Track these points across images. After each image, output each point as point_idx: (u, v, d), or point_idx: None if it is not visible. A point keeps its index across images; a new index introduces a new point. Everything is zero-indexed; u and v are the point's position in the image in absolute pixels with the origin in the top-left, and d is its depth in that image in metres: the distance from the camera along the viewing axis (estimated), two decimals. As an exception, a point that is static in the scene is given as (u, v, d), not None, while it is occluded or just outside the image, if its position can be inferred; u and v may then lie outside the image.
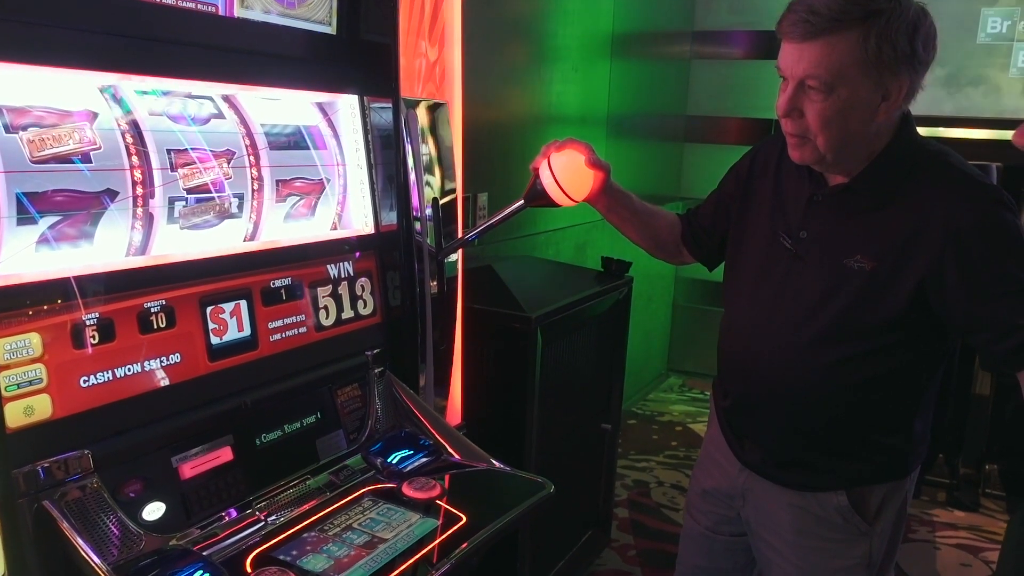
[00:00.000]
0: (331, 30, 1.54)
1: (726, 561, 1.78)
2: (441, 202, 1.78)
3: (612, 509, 3.24)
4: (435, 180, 1.79)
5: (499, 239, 3.18)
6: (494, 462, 1.55)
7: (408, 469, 1.50)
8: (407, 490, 1.43)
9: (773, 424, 1.56)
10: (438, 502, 1.41)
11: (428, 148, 1.77)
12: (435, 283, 1.77)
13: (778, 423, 1.55)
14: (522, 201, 1.67)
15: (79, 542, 1.04)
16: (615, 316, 2.89)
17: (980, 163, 2.44)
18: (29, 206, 1.08)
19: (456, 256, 1.90)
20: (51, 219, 1.11)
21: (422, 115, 1.74)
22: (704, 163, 5.04)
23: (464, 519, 1.36)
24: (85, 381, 1.13)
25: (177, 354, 1.26)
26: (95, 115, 1.19)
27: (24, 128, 1.09)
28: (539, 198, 1.63)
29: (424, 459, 1.54)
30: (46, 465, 1.07)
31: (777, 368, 1.51)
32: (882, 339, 1.42)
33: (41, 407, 1.07)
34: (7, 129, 1.07)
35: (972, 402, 3.78)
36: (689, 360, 5.33)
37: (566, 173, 1.59)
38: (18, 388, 1.05)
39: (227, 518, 1.27)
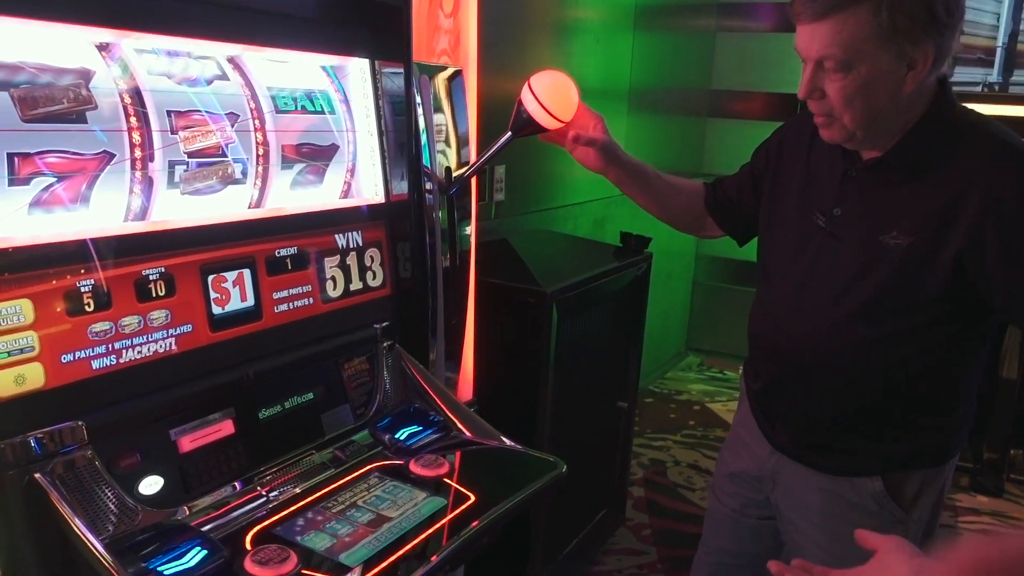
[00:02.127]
0: (341, -11, 1.48)
1: (753, 544, 1.73)
2: (455, 173, 1.73)
3: (627, 488, 3.20)
4: (449, 150, 1.74)
5: (516, 213, 3.12)
6: (505, 440, 1.50)
7: (416, 446, 1.46)
8: (414, 467, 1.38)
9: (807, 406, 1.51)
10: (446, 480, 1.36)
11: (442, 116, 1.71)
12: (448, 255, 1.72)
13: (812, 405, 1.50)
14: (509, 133, 1.62)
15: (72, 516, 1.00)
16: (633, 292, 2.83)
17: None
18: (21, 167, 1.04)
19: (470, 228, 1.84)
20: (45, 181, 1.07)
21: (436, 82, 1.68)
22: (727, 138, 4.94)
23: (473, 498, 1.32)
24: (79, 350, 1.08)
25: (177, 324, 1.21)
26: (91, 73, 1.14)
27: (15, 85, 1.04)
28: (526, 126, 1.58)
29: (433, 436, 1.50)
30: (38, 436, 1.02)
31: (811, 348, 1.46)
32: (920, 317, 1.36)
33: (33, 376, 1.03)
34: (-3, 86, 1.02)
35: (998, 385, 3.70)
36: (708, 339, 5.26)
37: (549, 94, 1.54)
38: (8, 356, 1.00)
39: (227, 493, 1.23)
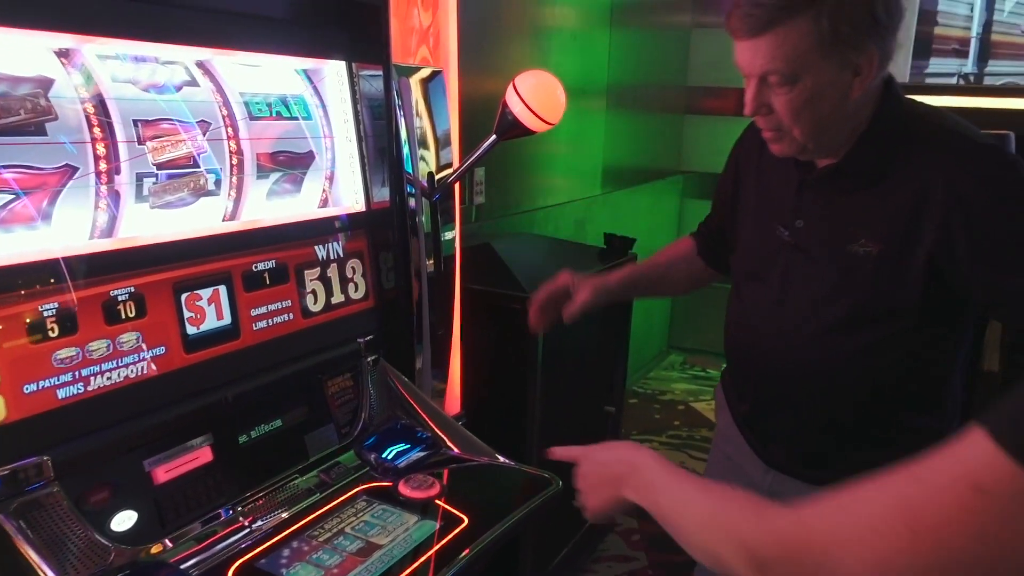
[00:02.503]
0: (316, -11, 1.41)
1: None
2: (437, 177, 1.66)
3: (615, 493, 3.15)
4: (430, 154, 1.67)
5: (496, 215, 3.06)
6: (497, 456, 1.44)
7: (404, 465, 1.40)
8: (404, 489, 1.32)
9: (799, 424, 1.46)
10: (437, 502, 1.30)
11: (422, 119, 1.64)
12: (431, 262, 1.66)
13: (804, 422, 1.45)
14: (494, 136, 1.55)
15: (37, 560, 0.93)
16: (618, 295, 2.78)
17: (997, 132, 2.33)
18: (-26, 184, 0.96)
19: (454, 234, 1.78)
20: (2, 198, 0.99)
21: (415, 84, 1.62)
22: (705, 135, 4.91)
23: (466, 521, 1.26)
24: (43, 379, 1.01)
25: (149, 346, 1.14)
26: (51, 82, 1.06)
27: (-33, 96, 0.96)
28: (512, 128, 1.52)
29: (421, 454, 1.44)
30: (0, 474, 0.95)
31: (794, 366, 1.41)
32: (901, 322, 1.32)
33: (-7, 409, 0.96)
34: (-54, 97, 0.94)
35: (980, 379, 3.70)
36: (690, 337, 5.23)
37: (535, 94, 1.49)
38: (-35, 389, 0.93)
39: (207, 525, 1.15)
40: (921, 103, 1.36)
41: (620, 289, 1.71)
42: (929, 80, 4.41)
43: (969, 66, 4.81)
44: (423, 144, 1.63)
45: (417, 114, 1.62)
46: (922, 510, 0.62)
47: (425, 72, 1.64)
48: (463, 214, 2.79)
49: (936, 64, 4.81)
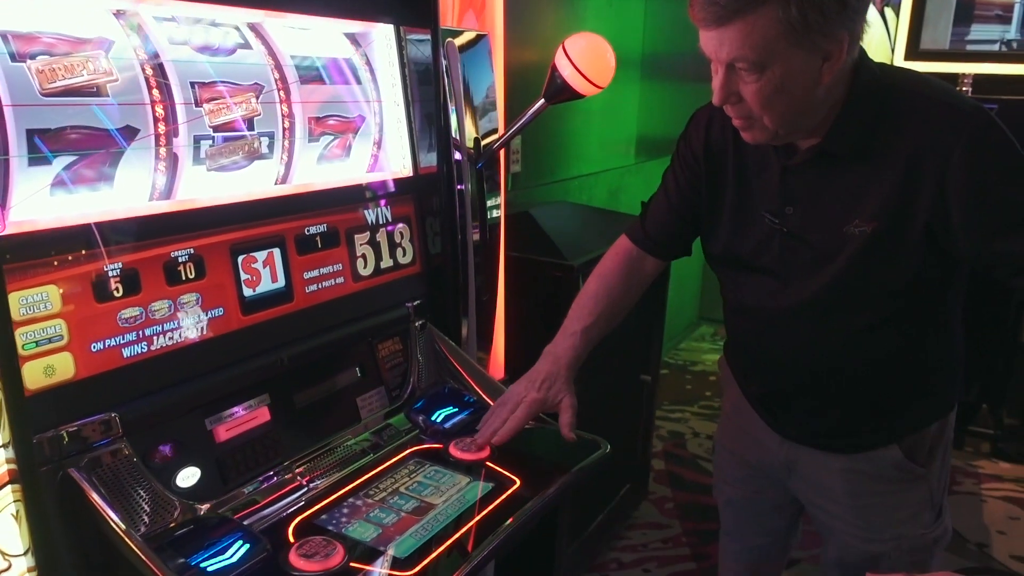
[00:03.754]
0: (364, -48, 1.41)
1: (777, 519, 1.69)
2: (483, 143, 1.66)
3: (649, 460, 3.16)
4: (476, 119, 1.66)
5: (531, 185, 3.05)
6: (545, 418, 1.45)
7: (453, 428, 1.41)
8: (455, 451, 1.33)
9: (809, 402, 1.46)
10: (488, 464, 1.31)
11: (469, 84, 1.63)
12: (477, 230, 1.66)
13: (814, 401, 1.45)
14: (543, 100, 1.54)
15: (109, 512, 0.95)
16: (655, 264, 2.77)
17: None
18: (41, 144, 0.97)
19: (498, 201, 1.78)
20: (66, 159, 1.00)
21: (462, 48, 1.61)
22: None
23: (518, 482, 1.27)
24: (109, 338, 1.03)
25: (208, 307, 1.16)
26: (111, 43, 1.07)
27: (32, 56, 0.97)
28: (561, 92, 1.50)
29: (469, 417, 1.45)
30: (71, 430, 0.97)
31: (799, 349, 1.40)
32: (901, 296, 1.30)
33: (63, 366, 0.98)
34: (13, 58, 0.95)
35: (1019, 351, 3.65)
36: (720, 309, 5.18)
37: (585, 57, 1.47)
38: (36, 346, 0.95)
39: (266, 483, 1.18)
40: (896, 69, 1.33)
41: (589, 343, 1.56)
42: (970, 47, 4.30)
43: (1012, 32, 4.68)
44: (469, 109, 1.63)
45: (464, 79, 1.62)
46: None
47: (472, 36, 1.63)
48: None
49: (978, 31, 4.68)
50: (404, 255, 1.52)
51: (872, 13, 3.75)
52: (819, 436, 1.49)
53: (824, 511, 1.54)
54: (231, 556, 1.02)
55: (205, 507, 1.08)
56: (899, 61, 3.61)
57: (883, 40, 3.77)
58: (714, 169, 1.44)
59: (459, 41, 1.59)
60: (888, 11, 3.80)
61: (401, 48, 1.51)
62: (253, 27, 1.30)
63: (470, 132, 1.63)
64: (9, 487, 0.89)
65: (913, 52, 3.65)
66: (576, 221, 2.71)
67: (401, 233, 1.51)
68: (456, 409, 1.46)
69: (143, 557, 0.94)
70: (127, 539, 0.95)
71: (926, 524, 1.48)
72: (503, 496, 1.23)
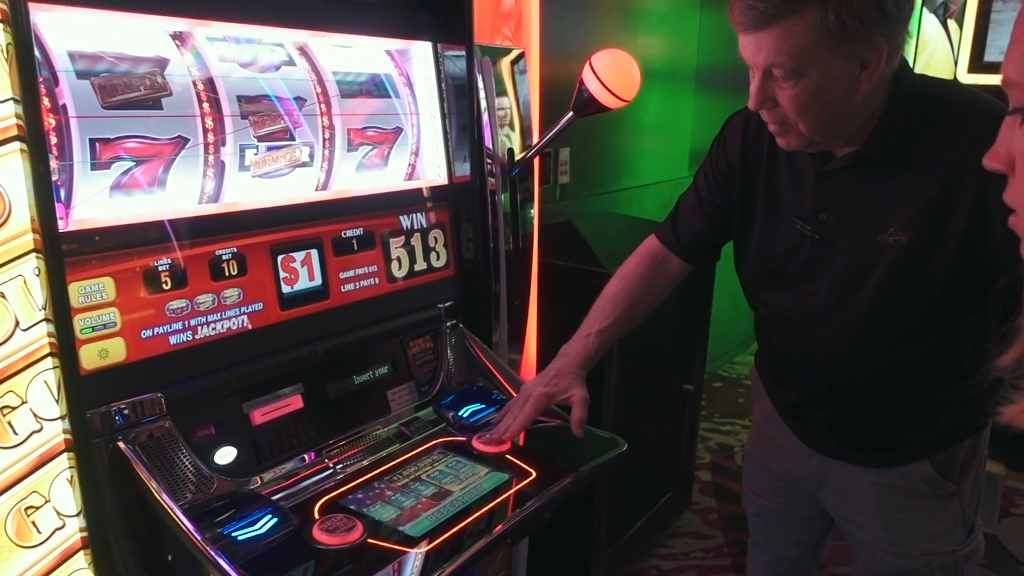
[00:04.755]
0: (404, -26, 1.51)
1: (805, 531, 1.70)
2: (518, 154, 1.74)
3: (694, 471, 3.18)
4: (512, 132, 1.75)
5: (580, 196, 3.11)
6: (567, 419, 1.51)
7: (479, 423, 1.49)
8: (477, 444, 1.41)
9: (839, 413, 1.47)
10: (508, 456, 1.39)
11: (504, 98, 1.72)
12: (511, 237, 1.73)
13: (844, 411, 1.46)
14: (571, 113, 1.62)
15: (152, 482, 1.06)
16: (699, 274, 2.78)
17: None
18: (101, 152, 1.09)
19: (533, 210, 1.85)
20: (124, 165, 1.12)
21: (498, 64, 1.69)
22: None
23: (534, 474, 1.34)
24: (158, 326, 1.14)
25: (248, 302, 1.26)
26: (167, 61, 1.19)
27: (96, 74, 1.09)
28: (588, 105, 1.58)
29: (495, 413, 1.52)
30: (121, 407, 1.08)
31: (834, 360, 1.41)
32: (935, 307, 1.30)
33: (115, 350, 1.09)
34: (79, 75, 1.07)
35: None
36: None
37: (610, 72, 1.54)
38: (92, 331, 1.06)
39: (297, 464, 1.27)
40: (938, 80, 1.33)
41: (608, 341, 1.57)
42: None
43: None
44: (504, 122, 1.71)
45: (500, 93, 1.70)
46: None
47: (508, 53, 1.72)
48: (547, 193, 2.87)
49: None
50: (438, 259, 1.61)
51: (934, 26, 3.70)
52: (849, 448, 1.49)
53: (854, 524, 1.55)
54: (260, 528, 1.11)
55: (239, 483, 1.18)
56: (962, 74, 3.56)
57: (946, 53, 3.71)
58: (747, 173, 1.45)
59: (495, 57, 1.68)
60: (951, 24, 3.75)
61: (438, 64, 1.60)
62: (299, 45, 1.41)
63: (505, 143, 1.71)
64: (65, 455, 1.00)
65: (977, 64, 3.59)
66: (618, 231, 2.76)
67: (435, 238, 1.60)
68: (483, 406, 1.54)
69: (181, 524, 1.04)
70: (167, 507, 1.05)
71: (958, 541, 1.47)
72: (518, 486, 1.30)
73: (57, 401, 0.99)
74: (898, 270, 1.28)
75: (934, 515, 1.47)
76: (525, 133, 1.79)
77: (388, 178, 1.55)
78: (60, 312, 0.98)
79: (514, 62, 1.74)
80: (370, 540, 1.13)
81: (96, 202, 1.09)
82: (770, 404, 1.62)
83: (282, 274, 1.31)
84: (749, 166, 1.45)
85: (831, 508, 1.59)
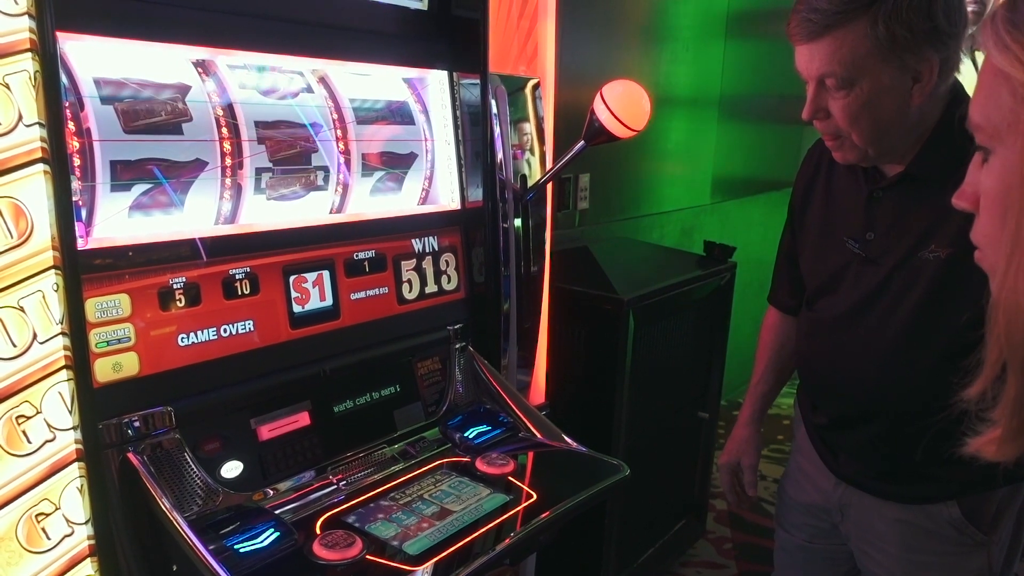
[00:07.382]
0: (422, 5, 1.55)
1: (828, 571, 1.69)
2: (531, 181, 1.77)
3: (708, 499, 3.17)
4: (529, 158, 1.78)
5: (600, 221, 3.14)
6: (571, 442, 1.53)
7: (484, 445, 1.51)
8: (480, 465, 1.43)
9: (872, 437, 1.47)
10: (510, 478, 1.40)
11: (519, 126, 1.76)
12: (522, 262, 1.76)
13: (878, 436, 1.46)
14: (582, 142, 1.65)
15: (159, 493, 1.09)
16: (716, 302, 2.81)
17: None
18: (122, 173, 1.14)
19: (545, 235, 1.88)
20: (143, 186, 1.17)
21: (513, 92, 1.73)
22: (824, 147, 4.80)
23: (535, 496, 1.35)
24: (170, 342, 1.18)
25: (260, 321, 1.30)
26: (188, 88, 1.24)
27: (119, 100, 1.14)
28: (599, 135, 1.61)
29: (501, 436, 1.54)
30: (132, 419, 1.12)
31: (870, 381, 1.42)
32: (975, 331, 1.30)
33: (128, 364, 1.13)
34: (103, 100, 1.12)
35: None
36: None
37: (621, 103, 1.57)
38: (107, 345, 1.11)
39: (302, 480, 1.30)
40: None
41: (763, 415, 1.82)
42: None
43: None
44: (525, 147, 1.75)
45: (516, 121, 1.74)
46: None
47: (523, 81, 1.76)
48: (566, 219, 2.90)
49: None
50: (449, 282, 1.64)
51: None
52: (875, 479, 1.49)
53: (873, 560, 1.53)
54: (262, 541, 1.14)
55: (244, 497, 1.21)
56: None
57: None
58: (806, 199, 1.54)
59: (510, 86, 1.72)
60: (979, 55, 3.74)
61: (454, 92, 1.64)
62: (318, 73, 1.46)
63: (519, 169, 1.74)
64: (76, 464, 1.04)
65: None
66: (635, 257, 2.78)
67: (447, 261, 1.64)
68: (489, 428, 1.56)
69: (185, 535, 1.07)
70: (172, 518, 1.08)
71: None
72: (518, 507, 1.32)
73: (70, 412, 1.03)
74: (937, 286, 1.30)
75: (958, 564, 1.44)
76: (543, 159, 1.82)
77: (402, 202, 1.59)
78: (76, 327, 1.02)
79: (529, 90, 1.78)
80: (369, 556, 1.15)
81: (116, 222, 1.14)
82: (804, 432, 1.64)
83: (294, 294, 1.35)
84: (808, 192, 1.54)
85: (852, 542, 1.58)
